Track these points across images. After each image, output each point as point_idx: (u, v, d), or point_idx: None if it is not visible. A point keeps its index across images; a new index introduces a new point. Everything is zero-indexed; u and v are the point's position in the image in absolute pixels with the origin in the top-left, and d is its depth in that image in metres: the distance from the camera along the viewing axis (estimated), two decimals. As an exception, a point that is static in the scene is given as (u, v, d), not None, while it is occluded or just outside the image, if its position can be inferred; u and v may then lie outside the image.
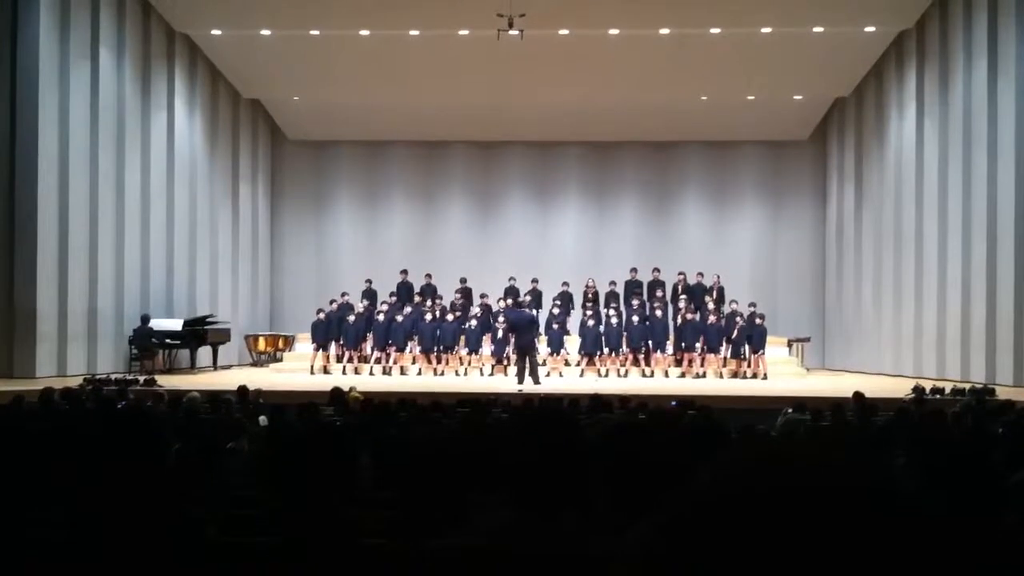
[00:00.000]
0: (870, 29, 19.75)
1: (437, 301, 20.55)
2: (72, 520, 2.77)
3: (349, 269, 23.99)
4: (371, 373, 19.60)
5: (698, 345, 19.54)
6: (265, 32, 20.13)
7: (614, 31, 19.58)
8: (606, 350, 19.67)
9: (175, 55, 20.72)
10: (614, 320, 19.77)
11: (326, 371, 19.85)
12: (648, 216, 24.45)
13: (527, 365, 17.17)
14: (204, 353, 20.37)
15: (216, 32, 20.54)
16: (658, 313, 19.99)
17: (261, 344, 22.67)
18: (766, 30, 19.37)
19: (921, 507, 0.96)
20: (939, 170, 18.93)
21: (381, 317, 19.95)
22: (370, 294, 21.25)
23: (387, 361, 19.87)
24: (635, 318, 19.68)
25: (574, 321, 20.65)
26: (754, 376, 19.26)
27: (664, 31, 19.51)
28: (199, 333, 19.82)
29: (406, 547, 2.66)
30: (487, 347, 19.78)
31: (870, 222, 21.77)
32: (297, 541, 2.67)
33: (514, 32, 16.63)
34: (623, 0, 18.32)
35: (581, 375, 19.52)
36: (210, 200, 22.20)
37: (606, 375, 19.46)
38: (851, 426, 9.22)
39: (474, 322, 19.82)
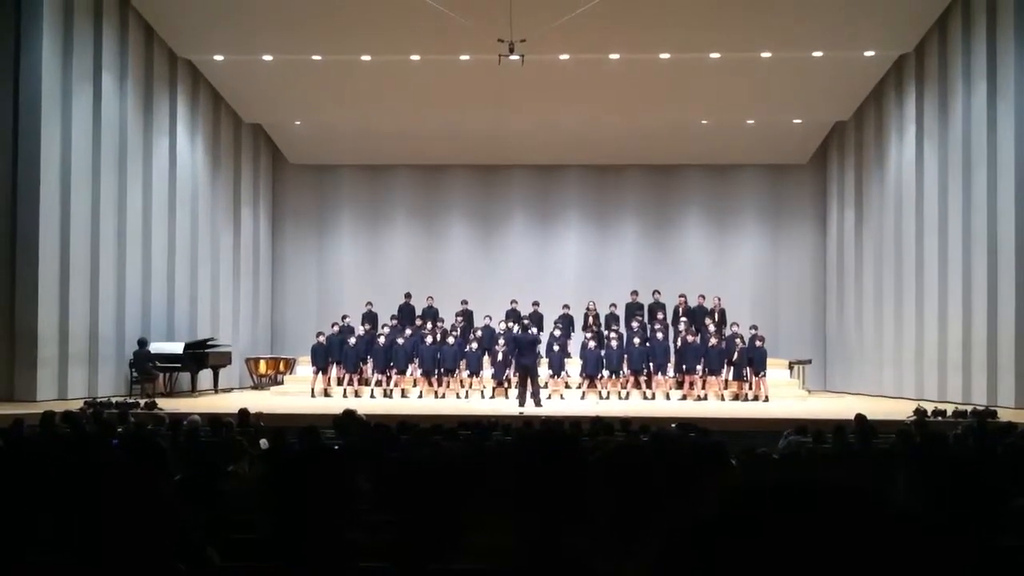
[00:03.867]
0: (870, 53, 19.84)
1: (438, 324, 20.56)
2: (71, 541, 2.76)
3: (350, 292, 24.00)
4: (372, 396, 19.58)
5: (699, 367, 19.51)
6: (267, 57, 20.23)
7: (614, 56, 19.67)
8: (607, 372, 19.65)
9: (177, 80, 20.82)
10: (615, 342, 19.75)
11: (327, 394, 19.83)
12: (649, 239, 24.49)
13: (528, 387, 17.16)
14: (205, 376, 20.34)
15: (218, 57, 20.65)
16: (659, 335, 19.97)
17: (262, 367, 22.66)
18: (766, 55, 19.46)
19: (922, 526, 0.97)
20: (939, 193, 18.96)
21: (382, 340, 19.95)
22: (371, 317, 21.25)
23: (388, 384, 19.85)
24: (636, 340, 19.67)
25: (575, 344, 20.64)
26: (755, 398, 19.23)
27: (664, 56, 19.59)
28: (200, 356, 19.81)
29: (407, 570, 2.65)
30: (488, 370, 19.77)
31: (870, 245, 21.79)
32: (297, 565, 2.66)
33: (515, 57, 16.70)
34: (623, 25, 18.41)
35: (582, 397, 19.49)
36: (211, 224, 22.24)
37: (607, 397, 19.42)
38: (853, 448, 9.20)
39: (475, 345, 19.81)
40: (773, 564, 0.91)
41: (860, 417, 11.30)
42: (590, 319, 20.88)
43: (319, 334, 20.30)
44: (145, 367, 18.81)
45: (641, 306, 21.05)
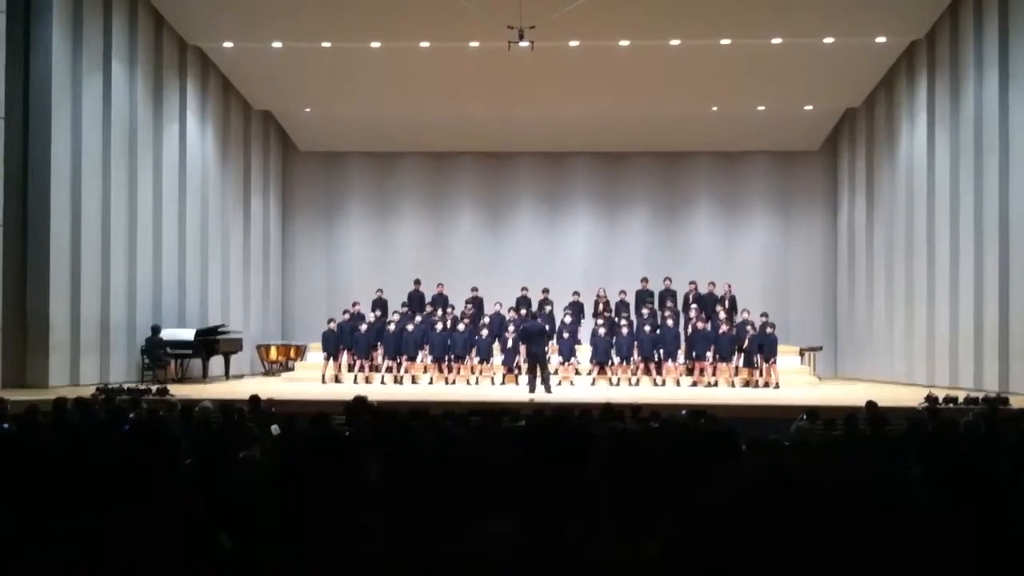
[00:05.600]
0: (881, 40, 19.73)
1: (448, 311, 20.59)
2: (79, 532, 2.78)
3: (360, 279, 24.04)
4: (382, 382, 19.63)
5: (709, 354, 19.50)
6: (276, 44, 20.22)
7: (624, 43, 19.61)
8: (617, 359, 19.65)
9: (187, 67, 20.83)
10: (625, 329, 19.74)
11: (337, 380, 19.89)
12: (659, 226, 24.46)
13: (538, 374, 17.19)
14: (216, 363, 20.41)
15: (228, 44, 20.64)
16: (669, 322, 19.97)
17: (273, 354, 22.72)
18: (776, 41, 19.37)
19: (932, 515, 0.96)
20: (950, 179, 18.88)
21: (392, 327, 19.99)
22: (381, 304, 21.30)
23: (398, 370, 19.90)
24: (646, 327, 19.66)
25: (585, 330, 20.64)
26: (766, 385, 19.21)
27: (674, 42, 19.52)
28: (211, 343, 19.87)
29: (413, 555, 2.66)
30: (498, 356, 19.80)
31: (881, 231, 21.72)
32: (307, 550, 2.67)
33: (524, 44, 16.66)
34: (633, 12, 18.34)
35: (592, 384, 19.50)
36: (222, 211, 22.29)
37: (617, 384, 19.42)
38: (864, 435, 9.18)
39: (485, 331, 19.84)
40: (780, 558, 0.91)
41: (871, 404, 11.28)
42: (600, 306, 20.88)
43: (330, 321, 20.36)
44: (157, 354, 18.89)
45: (651, 293, 21.03)
